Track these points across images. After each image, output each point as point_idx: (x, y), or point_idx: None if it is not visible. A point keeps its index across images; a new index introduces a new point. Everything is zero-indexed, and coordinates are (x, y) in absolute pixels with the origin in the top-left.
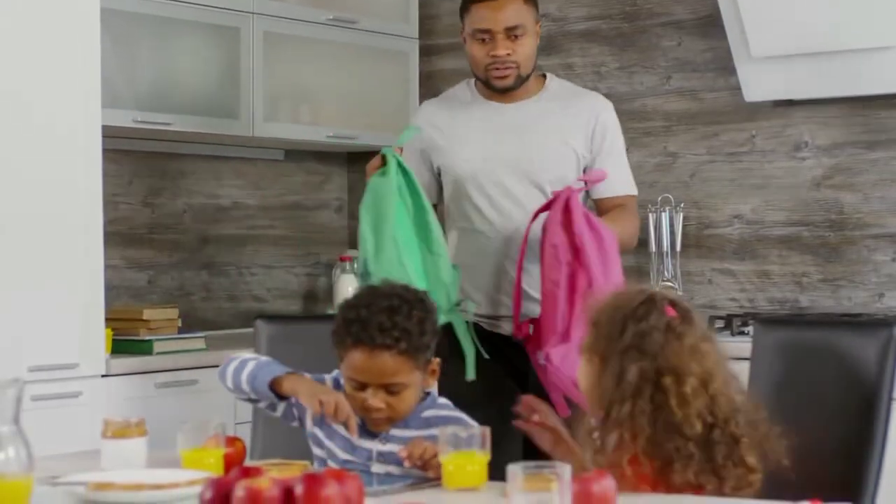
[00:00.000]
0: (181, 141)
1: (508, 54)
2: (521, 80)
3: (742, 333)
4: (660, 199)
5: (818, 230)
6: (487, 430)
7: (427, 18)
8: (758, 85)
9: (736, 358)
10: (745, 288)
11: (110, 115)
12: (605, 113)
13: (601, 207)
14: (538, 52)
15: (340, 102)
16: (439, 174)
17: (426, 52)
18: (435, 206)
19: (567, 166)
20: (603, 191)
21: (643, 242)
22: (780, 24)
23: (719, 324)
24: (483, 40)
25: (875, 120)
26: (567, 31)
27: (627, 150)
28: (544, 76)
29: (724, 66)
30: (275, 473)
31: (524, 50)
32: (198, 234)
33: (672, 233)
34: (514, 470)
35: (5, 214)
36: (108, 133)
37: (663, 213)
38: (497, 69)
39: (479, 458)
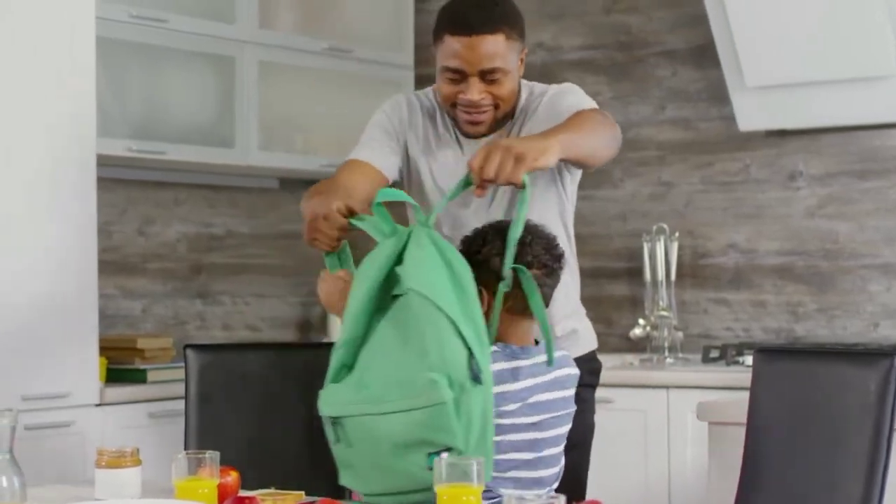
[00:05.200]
0: (175, 170)
1: (483, 99)
2: (498, 122)
3: (737, 363)
4: (654, 228)
5: (813, 259)
6: (482, 461)
7: (422, 47)
8: (752, 114)
9: (730, 388)
10: (739, 317)
11: (105, 143)
12: (546, 101)
13: None
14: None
15: (335, 131)
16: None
17: (421, 81)
18: (396, 184)
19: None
20: (564, 111)
21: (638, 272)
22: (774, 54)
23: (714, 353)
24: (454, 80)
25: (869, 149)
26: (561, 60)
27: (622, 180)
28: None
29: (718, 95)
30: (269, 503)
31: (502, 92)
32: (192, 262)
33: (667, 262)
34: (509, 500)
35: (0, 243)
36: (103, 162)
37: (658, 243)
38: (468, 113)
39: (475, 489)
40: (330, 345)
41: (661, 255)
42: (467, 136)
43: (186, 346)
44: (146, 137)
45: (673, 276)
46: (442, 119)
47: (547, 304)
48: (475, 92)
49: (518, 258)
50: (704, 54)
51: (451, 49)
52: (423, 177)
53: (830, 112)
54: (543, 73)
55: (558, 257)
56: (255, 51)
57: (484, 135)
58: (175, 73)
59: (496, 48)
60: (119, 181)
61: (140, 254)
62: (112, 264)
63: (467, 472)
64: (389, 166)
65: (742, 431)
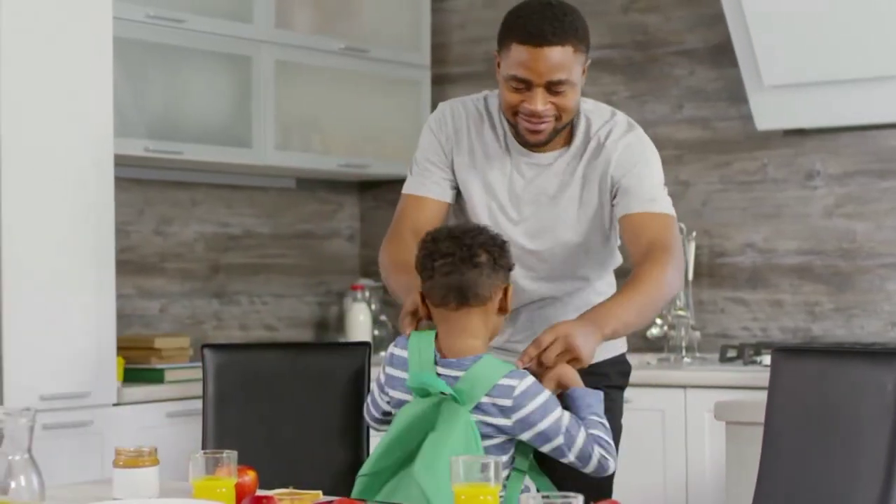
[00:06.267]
0: (193, 170)
1: (546, 109)
2: (558, 132)
3: (754, 363)
4: None
5: (830, 259)
6: (500, 461)
7: (439, 47)
8: (769, 114)
9: (748, 387)
10: (757, 317)
11: (122, 143)
12: (618, 155)
13: (634, 228)
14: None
15: (352, 131)
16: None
17: (438, 80)
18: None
19: (589, 232)
20: (638, 206)
21: None
22: (791, 53)
23: (732, 353)
24: (518, 89)
25: (887, 149)
26: None
27: None
28: None
29: (736, 94)
30: (287, 503)
31: (566, 103)
32: (209, 262)
33: (685, 261)
34: (526, 500)
35: (18, 242)
36: (120, 162)
37: None
38: (530, 122)
39: (492, 489)
40: (346, 345)
41: None
42: (525, 144)
43: (204, 346)
44: (163, 137)
45: (690, 276)
46: (492, 127)
47: (462, 293)
48: (539, 102)
49: (425, 255)
50: (722, 53)
51: (519, 58)
52: (472, 191)
53: (848, 111)
54: None
55: (469, 245)
56: (272, 50)
57: (543, 143)
58: (192, 73)
59: (564, 60)
60: (136, 181)
61: (157, 254)
62: (129, 264)
63: (485, 471)
64: (446, 194)
65: (759, 431)
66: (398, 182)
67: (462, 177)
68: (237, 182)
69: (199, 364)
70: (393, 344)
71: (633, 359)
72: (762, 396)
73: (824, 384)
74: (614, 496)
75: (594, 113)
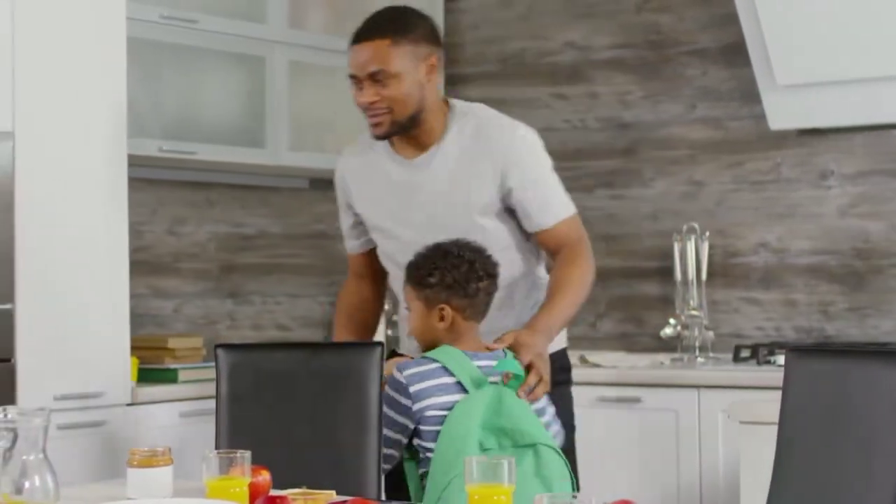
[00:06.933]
0: (206, 170)
1: (373, 102)
2: (402, 126)
3: (768, 363)
4: (685, 227)
5: (844, 259)
6: (514, 461)
7: (452, 47)
8: (783, 113)
9: (761, 387)
10: (771, 317)
11: (136, 144)
12: (510, 148)
13: (545, 240)
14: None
15: (365, 131)
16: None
17: (451, 81)
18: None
19: (475, 217)
20: (540, 222)
21: (668, 271)
22: (805, 53)
23: (745, 353)
24: (356, 87)
25: None
26: (592, 59)
27: (653, 179)
28: (448, 104)
29: (749, 94)
30: (300, 503)
31: (392, 93)
32: (223, 262)
33: (698, 261)
34: (539, 499)
35: (32, 242)
36: (134, 162)
37: (688, 242)
38: (368, 116)
39: (505, 489)
40: (359, 345)
41: (691, 255)
42: (377, 138)
43: (217, 346)
44: (177, 138)
45: (704, 276)
46: (376, 153)
47: (489, 306)
48: (365, 95)
49: (471, 277)
50: (735, 53)
51: (350, 57)
52: (376, 217)
53: (862, 111)
54: (573, 72)
55: (495, 264)
56: (286, 51)
57: (386, 135)
58: (206, 73)
59: (378, 52)
60: (150, 181)
61: (171, 254)
62: (143, 264)
63: (498, 471)
64: (364, 240)
65: (773, 431)
66: None
67: (366, 210)
68: (251, 182)
69: (213, 364)
70: (396, 369)
71: (645, 359)
72: (776, 396)
73: (838, 384)
74: (627, 495)
75: (480, 115)
